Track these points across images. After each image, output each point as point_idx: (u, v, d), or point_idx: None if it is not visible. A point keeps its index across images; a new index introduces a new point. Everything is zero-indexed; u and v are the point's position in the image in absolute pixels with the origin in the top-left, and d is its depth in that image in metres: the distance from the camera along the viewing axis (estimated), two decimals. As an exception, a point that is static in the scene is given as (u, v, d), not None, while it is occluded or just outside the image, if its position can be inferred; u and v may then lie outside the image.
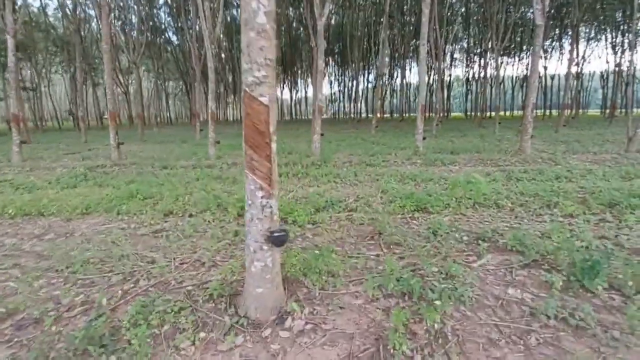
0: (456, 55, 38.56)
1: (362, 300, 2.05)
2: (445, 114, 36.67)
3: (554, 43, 30.64)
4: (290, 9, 29.91)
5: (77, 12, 20.92)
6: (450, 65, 37.19)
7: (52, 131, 28.45)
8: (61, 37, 25.83)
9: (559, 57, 32.31)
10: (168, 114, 46.95)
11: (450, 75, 40.21)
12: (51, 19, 26.97)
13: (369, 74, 39.15)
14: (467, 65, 37.87)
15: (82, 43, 21.51)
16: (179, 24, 24.63)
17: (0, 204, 4.63)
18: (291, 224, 3.73)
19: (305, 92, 52.85)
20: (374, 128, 16.61)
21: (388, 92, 43.36)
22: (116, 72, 29.08)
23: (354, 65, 25.85)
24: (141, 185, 5.71)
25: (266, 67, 1.57)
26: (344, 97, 45.52)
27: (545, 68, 30.50)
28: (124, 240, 3.32)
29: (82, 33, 22.00)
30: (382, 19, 18.69)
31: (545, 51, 29.88)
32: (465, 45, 35.13)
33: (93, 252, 2.97)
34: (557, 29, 27.76)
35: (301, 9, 24.55)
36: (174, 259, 2.75)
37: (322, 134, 8.92)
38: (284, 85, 45.69)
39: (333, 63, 43.05)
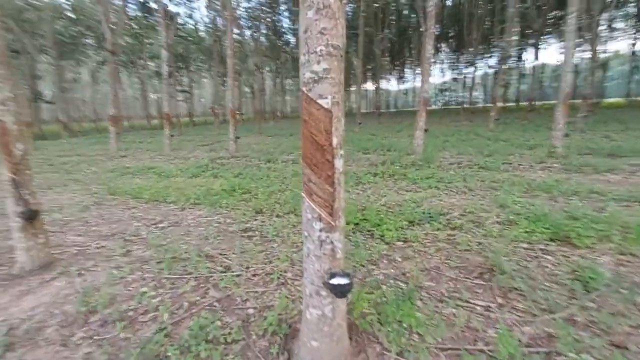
0: (617, 25, 29.47)
1: (457, 392, 1.45)
2: (597, 101, 28.70)
3: None
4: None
5: (217, 25, 24.63)
6: (607, 38, 28.72)
7: (200, 125, 34.51)
8: (208, 48, 31.11)
9: None
10: (285, 109, 51.52)
11: (605, 50, 31.15)
12: (201, 34, 32.67)
13: (489, 57, 33.97)
14: (636, 36, 28.56)
15: (220, 51, 25.31)
16: (295, 25, 26.29)
17: (141, 189, 5.62)
18: (377, 239, 3.23)
19: (414, 82, 49.78)
20: (493, 120, 14.12)
21: (514, 77, 36.81)
22: (242, 74, 33.43)
23: (471, 48, 22.60)
24: (243, 180, 6.10)
25: (328, 58, 1.14)
26: (457, 85, 41.00)
27: None
28: (215, 236, 3.45)
29: (221, 43, 25.80)
30: (513, -10, 15.51)
31: None
32: (635, 9, 26.44)
33: (187, 247, 3.16)
34: None
35: (413, -7, 22.76)
36: (248, 268, 2.64)
37: (426, 130, 7.92)
38: (391, 76, 44.06)
39: (447, 49, 39.11)
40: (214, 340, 1.72)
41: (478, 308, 2.07)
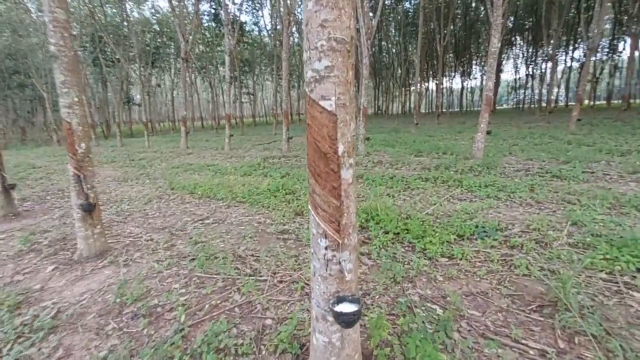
0: None
1: None
2: None
3: None
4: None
5: (277, 30, 25.73)
6: None
7: (261, 125, 36.30)
8: (270, 52, 32.63)
9: None
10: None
11: None
12: (265, 39, 34.36)
13: (574, 49, 29.74)
14: None
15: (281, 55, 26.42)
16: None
17: (196, 186, 6.01)
18: (418, 252, 2.94)
19: (481, 80, 45.84)
20: (575, 121, 12.22)
21: (606, 71, 31.71)
22: (302, 76, 34.33)
23: (551, 40, 19.95)
24: (289, 180, 6.15)
25: (331, 54, 0.98)
26: (533, 82, 36.74)
27: None
28: (252, 236, 3.49)
29: (282, 47, 26.94)
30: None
31: None
32: None
33: (224, 245, 3.24)
34: None
35: (483, -18, 20.97)
36: (275, 273, 2.59)
37: (488, 132, 7.14)
38: (455, 73, 41.21)
39: (522, 42, 35.35)
40: (225, 350, 1.68)
41: (530, 352, 1.71)
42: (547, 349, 1.72)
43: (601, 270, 2.50)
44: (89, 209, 2.74)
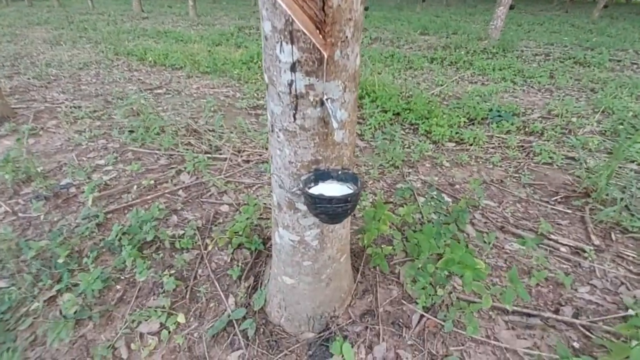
0: None
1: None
2: None
3: None
4: None
5: None
6: None
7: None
8: None
9: None
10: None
11: None
12: None
13: None
14: None
15: None
16: None
17: (148, 50, 4.84)
18: (422, 135, 2.39)
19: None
20: (600, 9, 10.59)
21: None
22: None
23: None
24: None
25: None
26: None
27: None
28: (215, 111, 2.78)
29: None
30: None
31: None
32: None
33: (179, 120, 2.55)
34: None
35: None
36: (240, 151, 2.00)
37: (512, 7, 5.88)
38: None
39: None
40: (155, 243, 1.19)
41: (562, 249, 1.34)
42: (582, 246, 1.34)
43: (633, 161, 2.09)
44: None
